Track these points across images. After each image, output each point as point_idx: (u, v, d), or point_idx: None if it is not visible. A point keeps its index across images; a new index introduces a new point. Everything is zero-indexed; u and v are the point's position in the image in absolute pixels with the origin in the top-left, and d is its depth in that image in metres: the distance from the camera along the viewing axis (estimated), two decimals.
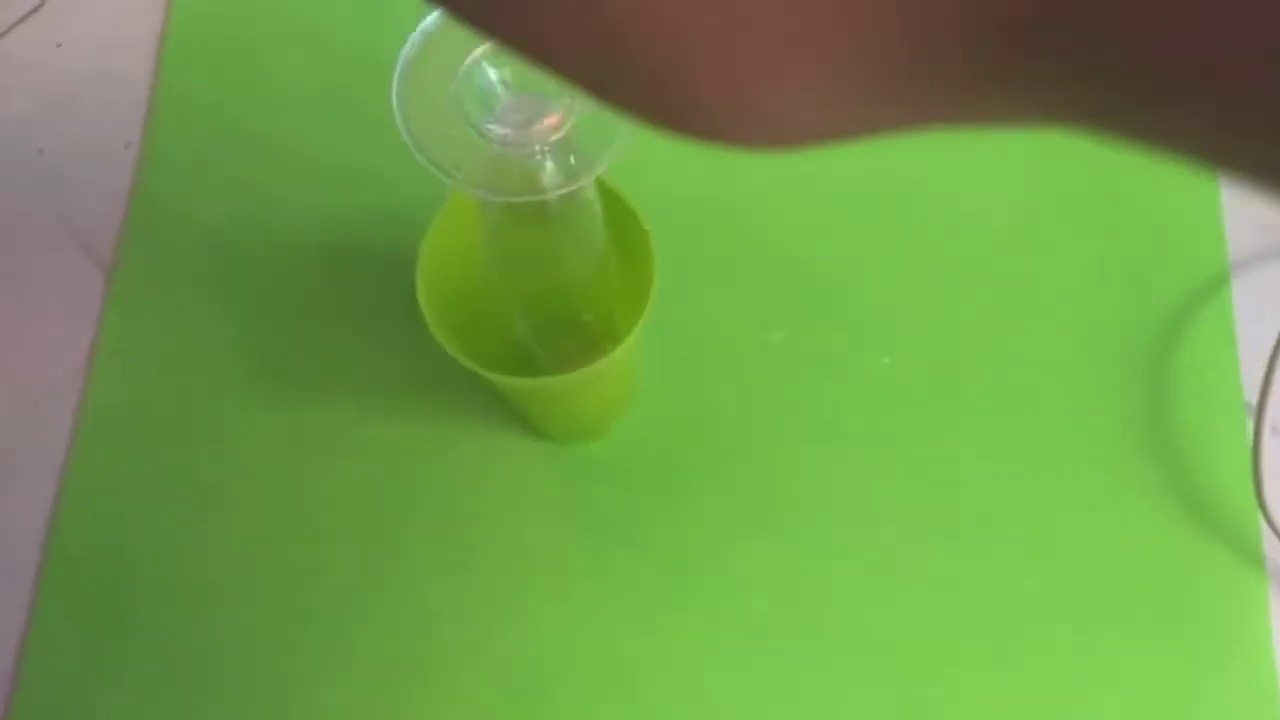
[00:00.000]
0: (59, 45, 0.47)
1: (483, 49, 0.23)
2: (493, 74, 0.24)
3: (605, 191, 0.31)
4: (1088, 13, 0.09)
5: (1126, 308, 0.42)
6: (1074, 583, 0.38)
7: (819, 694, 0.37)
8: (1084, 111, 0.11)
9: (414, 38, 0.23)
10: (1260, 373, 0.39)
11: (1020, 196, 0.44)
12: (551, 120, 0.23)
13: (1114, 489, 0.39)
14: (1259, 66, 0.09)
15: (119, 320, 0.42)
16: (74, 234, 0.44)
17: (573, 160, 0.24)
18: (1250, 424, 0.40)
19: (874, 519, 0.39)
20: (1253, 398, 0.40)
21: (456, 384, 0.40)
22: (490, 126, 0.23)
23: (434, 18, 0.23)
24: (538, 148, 0.24)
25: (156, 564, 0.39)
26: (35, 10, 0.48)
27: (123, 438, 0.40)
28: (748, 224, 0.43)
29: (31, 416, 0.41)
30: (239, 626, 0.38)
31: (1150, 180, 0.43)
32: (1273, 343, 0.39)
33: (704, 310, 0.42)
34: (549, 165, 0.24)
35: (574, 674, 0.37)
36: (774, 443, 0.40)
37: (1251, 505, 0.38)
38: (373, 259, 0.42)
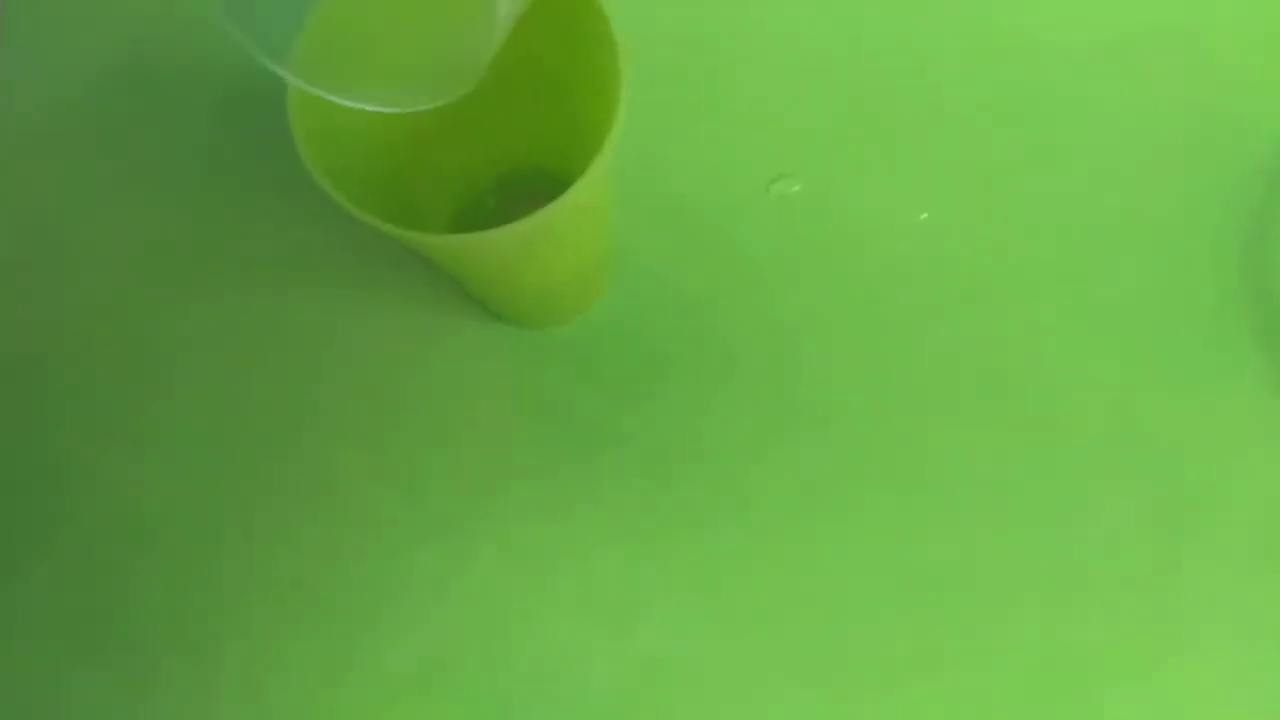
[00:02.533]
0: None
1: None
2: None
3: None
4: None
5: (1223, 152, 0.34)
6: (1158, 488, 0.31)
7: (832, 625, 0.30)
8: None
9: None
10: None
11: (1092, 24, 0.35)
12: None
13: (1209, 374, 0.32)
14: None
15: None
16: None
17: None
18: None
19: (911, 418, 0.32)
20: None
21: (394, 256, 0.33)
22: None
23: None
24: None
25: (60, 483, 0.32)
26: None
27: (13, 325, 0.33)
28: (755, 53, 0.35)
29: None
30: (163, 556, 0.31)
31: (1245, 8, 0.35)
32: None
33: (701, 158, 0.34)
34: None
35: (552, 602, 0.31)
36: (790, 320, 0.32)
37: None
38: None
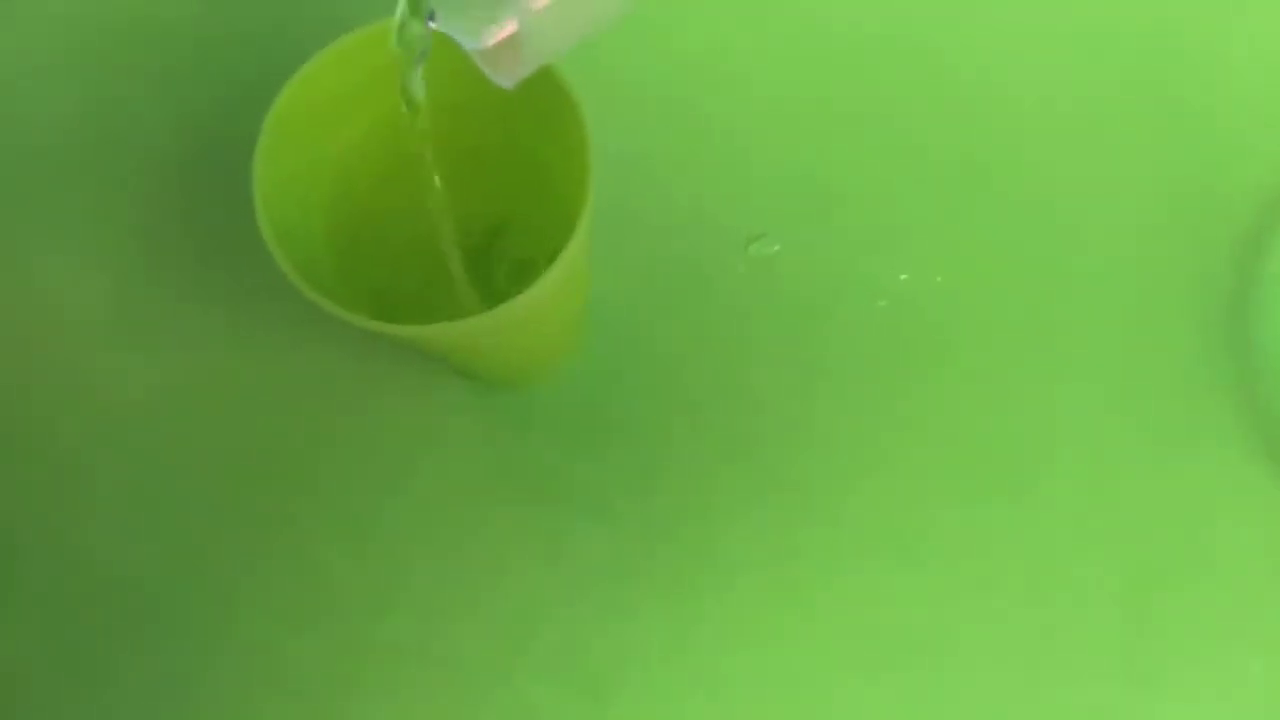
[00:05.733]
0: None
1: None
2: None
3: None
4: None
5: (1200, 214, 0.34)
6: (1133, 551, 0.31)
7: (814, 692, 0.30)
8: None
9: None
10: None
11: (1073, 83, 0.35)
12: None
13: (1186, 431, 0.32)
14: None
15: None
16: None
17: None
18: None
19: (889, 477, 0.31)
20: None
21: None
22: None
23: None
24: None
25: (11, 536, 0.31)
26: None
27: None
28: (732, 111, 0.34)
29: None
30: (97, 612, 0.31)
31: (1228, 70, 0.35)
32: None
33: (676, 217, 0.33)
34: None
35: (525, 666, 0.30)
36: (764, 381, 0.32)
37: None
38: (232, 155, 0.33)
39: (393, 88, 0.23)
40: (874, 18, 0.35)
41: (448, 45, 0.21)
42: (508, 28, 0.17)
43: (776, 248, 0.33)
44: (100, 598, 0.31)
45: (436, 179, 0.24)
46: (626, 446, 0.32)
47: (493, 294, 0.31)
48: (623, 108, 0.32)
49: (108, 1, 0.36)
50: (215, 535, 0.31)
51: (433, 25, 0.19)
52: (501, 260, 0.31)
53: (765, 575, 0.31)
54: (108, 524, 0.32)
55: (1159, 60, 0.35)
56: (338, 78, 0.23)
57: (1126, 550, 0.31)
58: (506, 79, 0.18)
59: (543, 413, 0.32)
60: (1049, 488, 0.31)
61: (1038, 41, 0.35)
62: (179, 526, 0.31)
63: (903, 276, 0.33)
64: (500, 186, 0.29)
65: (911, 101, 0.34)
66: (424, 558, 0.31)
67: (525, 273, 0.31)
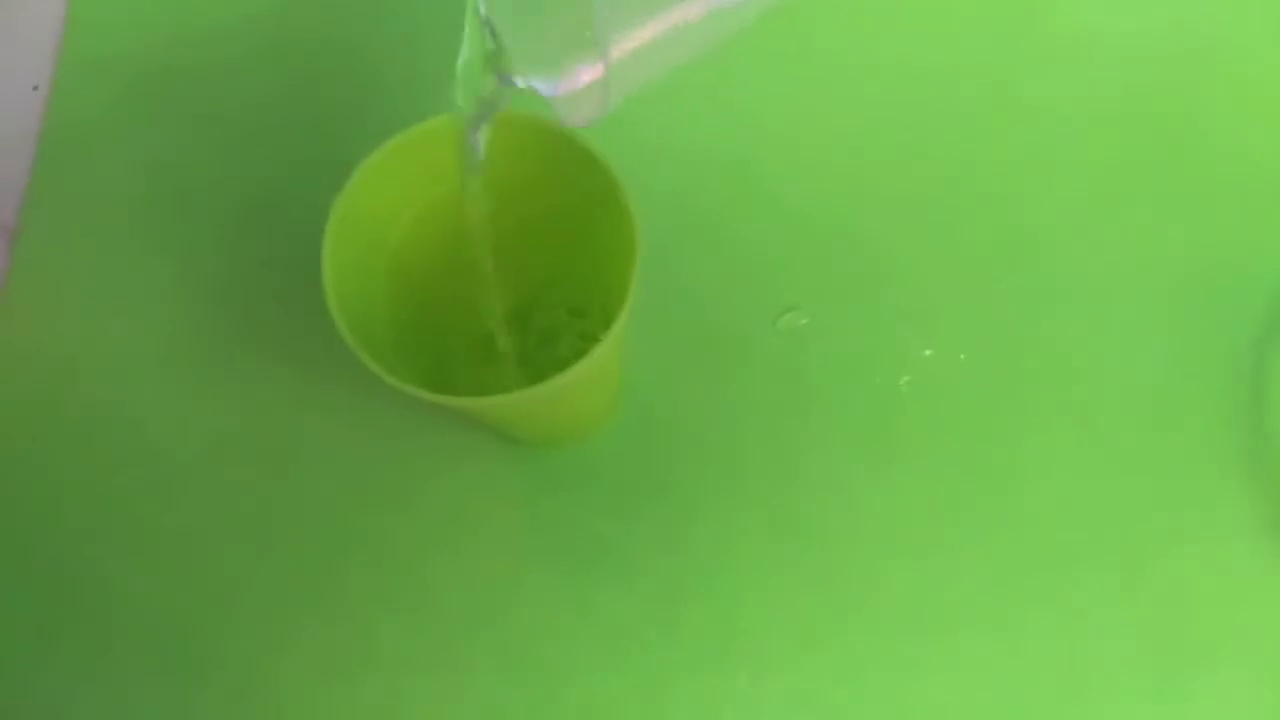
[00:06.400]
0: None
1: None
2: None
3: (577, 151, 0.24)
4: None
5: (1225, 297, 0.34)
6: (1157, 634, 0.31)
7: None
8: None
9: None
10: None
11: (1097, 162, 0.36)
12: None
13: (1209, 520, 0.32)
14: None
15: (25, 289, 0.36)
16: None
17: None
18: None
19: (913, 552, 0.32)
20: None
21: None
22: None
23: None
24: None
25: (60, 578, 0.33)
26: None
27: (37, 422, 0.34)
28: (762, 184, 0.36)
29: None
30: (141, 659, 0.32)
31: (1249, 150, 0.36)
32: None
33: (713, 289, 0.34)
34: None
35: None
36: (793, 452, 0.33)
37: None
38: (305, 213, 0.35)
39: (443, 177, 0.25)
40: (911, 99, 0.36)
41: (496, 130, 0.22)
42: (589, 72, 0.18)
43: (805, 320, 0.34)
44: (141, 641, 0.32)
45: (488, 255, 0.26)
46: (658, 509, 0.33)
47: (527, 359, 0.32)
48: (649, 179, 0.33)
49: (189, 53, 0.38)
50: (258, 586, 0.32)
51: (515, 82, 0.19)
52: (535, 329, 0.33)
53: (788, 637, 0.31)
54: (152, 569, 0.33)
55: (1183, 141, 0.36)
56: (399, 165, 0.25)
57: (1155, 628, 0.31)
58: (583, 119, 0.19)
59: (578, 475, 0.33)
60: (1074, 563, 0.32)
61: (1066, 125, 0.36)
62: (222, 575, 0.33)
63: (927, 352, 0.34)
64: (541, 258, 0.30)
65: (943, 181, 0.35)
66: (459, 615, 0.32)
67: (553, 338, 0.33)
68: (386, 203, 0.25)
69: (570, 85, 0.18)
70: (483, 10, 0.19)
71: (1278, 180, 0.36)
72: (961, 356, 0.34)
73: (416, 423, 0.34)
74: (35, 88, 0.38)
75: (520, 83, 0.19)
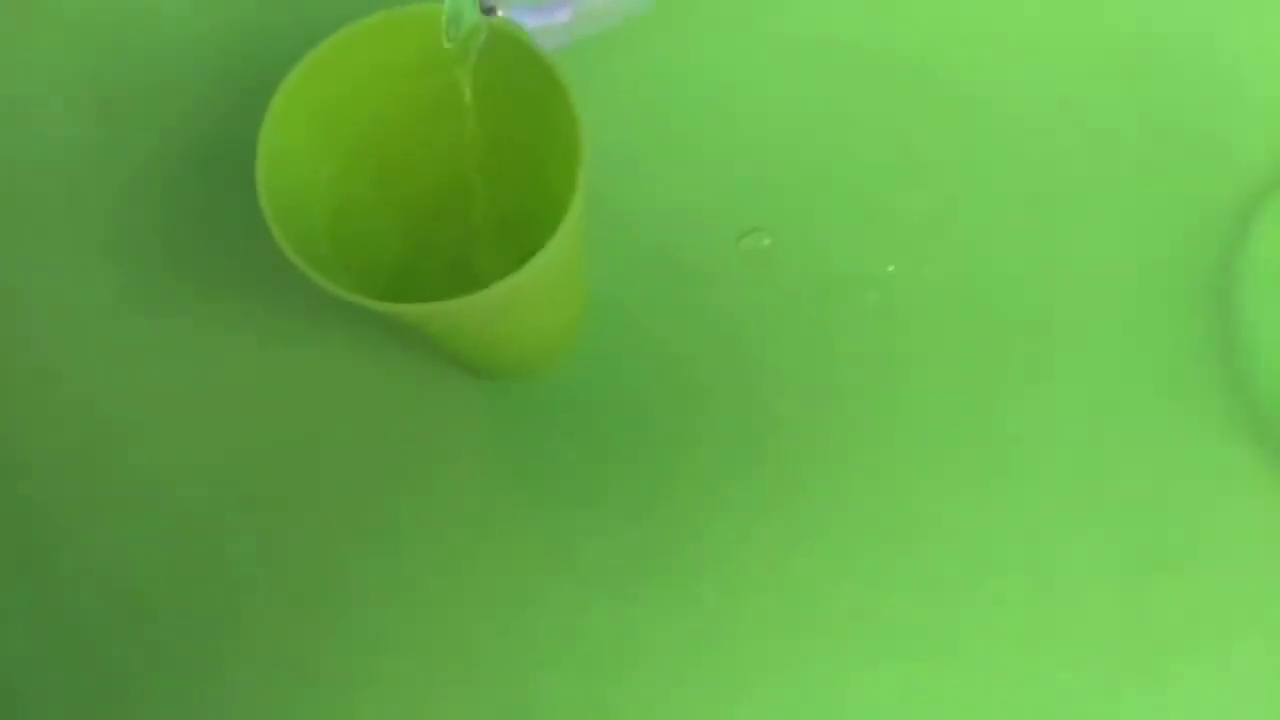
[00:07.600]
0: None
1: None
2: None
3: (534, 62, 0.23)
4: None
5: (1189, 205, 0.34)
6: (1125, 539, 0.31)
7: (816, 681, 0.31)
8: None
9: None
10: None
11: (1060, 81, 0.35)
12: None
13: (1175, 418, 0.32)
14: None
15: None
16: None
17: None
18: None
19: (884, 468, 0.32)
20: None
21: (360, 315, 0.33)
22: None
23: None
24: None
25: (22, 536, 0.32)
26: None
27: None
28: (725, 108, 0.35)
29: None
30: (112, 611, 0.31)
31: (1210, 66, 0.35)
32: None
33: (673, 211, 0.34)
34: None
35: (530, 653, 0.31)
36: (761, 371, 0.33)
37: None
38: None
39: (389, 83, 0.24)
40: (866, 20, 0.36)
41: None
42: (564, 10, 0.19)
43: (768, 241, 0.34)
44: (110, 597, 0.32)
45: (476, 173, 0.26)
46: (625, 437, 0.32)
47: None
48: (614, 105, 0.33)
49: (113, 5, 0.37)
50: (225, 532, 0.32)
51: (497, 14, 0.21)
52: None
53: (766, 562, 0.31)
54: (118, 523, 0.32)
55: (1144, 59, 0.35)
56: (342, 67, 0.24)
57: (1122, 537, 0.31)
58: (551, 46, 0.20)
59: (542, 405, 0.33)
60: (1044, 477, 0.32)
61: (1026, 42, 0.36)
62: (189, 524, 0.32)
63: (890, 268, 0.33)
64: (499, 183, 0.30)
65: (901, 99, 0.35)
66: (432, 552, 0.32)
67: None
68: (329, 108, 0.24)
69: (546, 19, 0.20)
70: None
71: (1238, 91, 0.35)
72: (925, 271, 0.33)
73: (379, 357, 0.33)
74: None
75: (501, 12, 0.22)
